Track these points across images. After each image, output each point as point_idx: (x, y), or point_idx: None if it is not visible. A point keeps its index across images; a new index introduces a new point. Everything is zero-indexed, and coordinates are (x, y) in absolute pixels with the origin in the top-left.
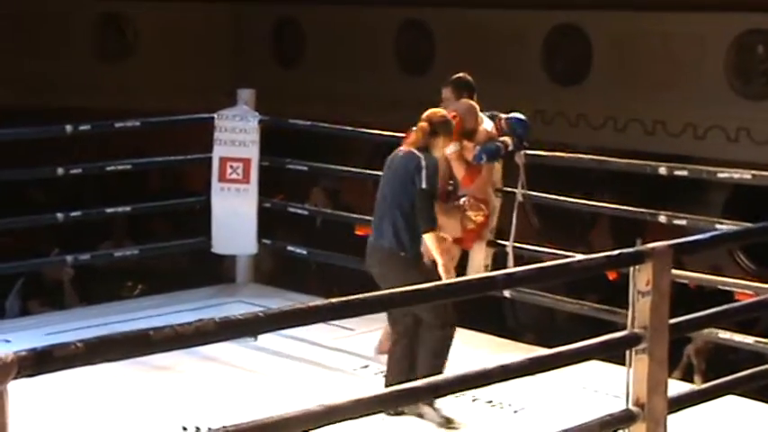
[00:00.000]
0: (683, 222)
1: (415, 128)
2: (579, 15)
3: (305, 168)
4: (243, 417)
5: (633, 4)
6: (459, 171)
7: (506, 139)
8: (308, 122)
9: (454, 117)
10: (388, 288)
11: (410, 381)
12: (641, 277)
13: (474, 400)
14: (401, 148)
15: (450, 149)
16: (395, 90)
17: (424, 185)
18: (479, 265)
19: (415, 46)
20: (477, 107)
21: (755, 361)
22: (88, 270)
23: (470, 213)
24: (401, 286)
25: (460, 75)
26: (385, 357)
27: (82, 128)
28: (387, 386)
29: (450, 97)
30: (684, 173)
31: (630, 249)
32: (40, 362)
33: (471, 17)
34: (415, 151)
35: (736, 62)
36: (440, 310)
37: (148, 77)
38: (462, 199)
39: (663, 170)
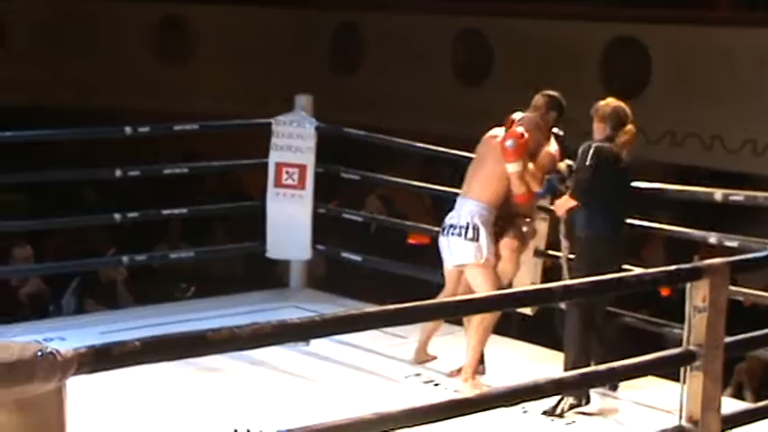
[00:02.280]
0: (735, 244)
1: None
2: (638, 29)
3: (357, 178)
4: (293, 422)
5: (693, 18)
6: (519, 189)
7: (562, 166)
8: (363, 132)
9: (522, 135)
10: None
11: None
12: (698, 294)
13: (525, 412)
14: (618, 150)
15: (513, 168)
16: (450, 99)
17: None
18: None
19: (472, 55)
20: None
21: None
22: (143, 271)
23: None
24: None
25: (555, 93)
26: (431, 365)
27: (141, 129)
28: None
29: (540, 106)
30: (740, 198)
31: (688, 265)
32: (99, 359)
33: (529, 28)
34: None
35: None
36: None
37: (207, 81)
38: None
39: (718, 196)
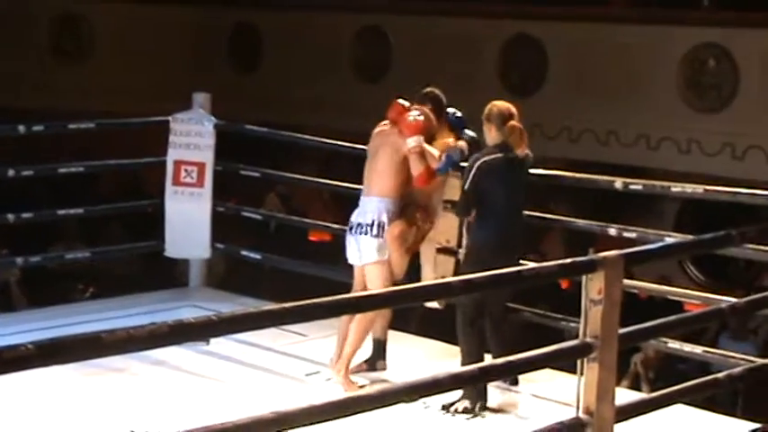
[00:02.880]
0: (634, 235)
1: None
2: (534, 25)
3: (257, 174)
4: (193, 422)
5: (588, 15)
6: (417, 168)
7: (463, 144)
8: (264, 129)
9: (423, 112)
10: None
11: None
12: (593, 286)
13: (426, 407)
14: (504, 154)
15: (413, 142)
16: (351, 96)
17: None
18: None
19: (371, 53)
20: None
21: (703, 370)
22: (38, 272)
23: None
24: None
25: (429, 89)
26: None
27: (35, 128)
28: None
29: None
30: (639, 187)
31: (583, 258)
32: None
33: (428, 25)
34: (529, 152)
35: (689, 75)
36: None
37: (105, 79)
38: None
39: (618, 185)
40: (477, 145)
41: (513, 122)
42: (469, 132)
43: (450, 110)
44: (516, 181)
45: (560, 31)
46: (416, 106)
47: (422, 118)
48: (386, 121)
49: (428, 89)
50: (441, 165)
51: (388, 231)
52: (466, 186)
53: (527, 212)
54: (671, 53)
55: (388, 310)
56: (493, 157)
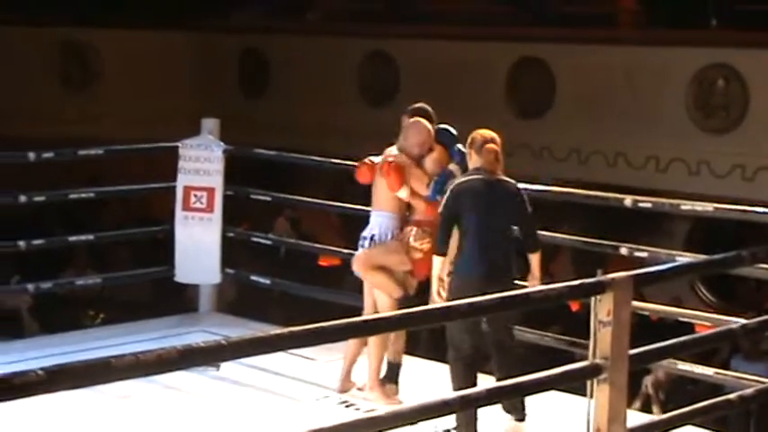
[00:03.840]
0: (644, 255)
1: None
2: (542, 49)
3: (268, 199)
4: None
5: (595, 37)
6: (420, 205)
7: (453, 166)
8: (272, 152)
9: (390, 163)
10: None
11: None
12: (602, 307)
13: (435, 430)
14: (476, 175)
15: (403, 194)
16: (358, 121)
17: (529, 210)
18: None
19: (378, 77)
20: (430, 130)
21: (714, 392)
22: (49, 299)
23: (415, 244)
24: None
25: (420, 104)
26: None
27: (45, 155)
28: None
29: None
30: (648, 205)
31: (592, 279)
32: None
33: (435, 50)
34: (505, 179)
35: (697, 96)
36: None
37: (112, 106)
38: (405, 229)
39: (628, 202)
40: (465, 164)
41: (489, 145)
42: (461, 147)
43: (442, 126)
44: (496, 204)
45: (568, 54)
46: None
47: (392, 167)
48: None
49: (415, 105)
50: (429, 193)
51: (355, 257)
52: (439, 210)
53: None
54: (680, 74)
55: (401, 334)
56: (467, 179)
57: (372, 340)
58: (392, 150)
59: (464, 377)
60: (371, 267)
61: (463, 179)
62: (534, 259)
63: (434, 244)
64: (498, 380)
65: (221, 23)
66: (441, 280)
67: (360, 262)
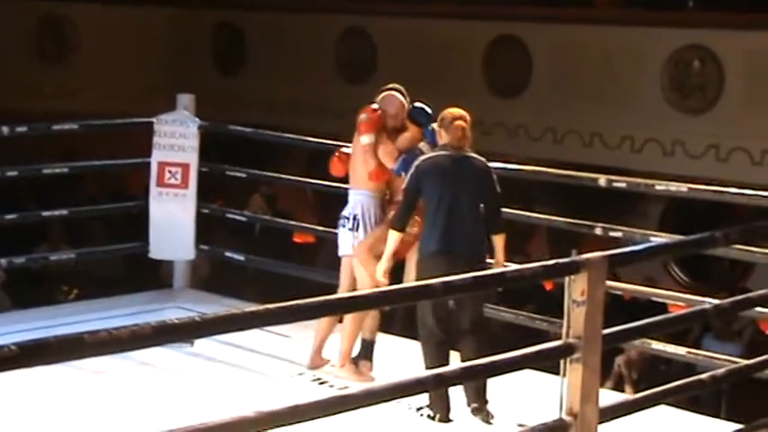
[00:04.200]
0: (619, 234)
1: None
2: (519, 27)
3: (243, 175)
4: (177, 422)
5: (572, 16)
6: (369, 164)
7: (424, 145)
8: (248, 129)
9: (375, 110)
10: (472, 297)
11: None
12: (576, 287)
13: (410, 408)
14: (443, 152)
15: (366, 140)
16: (335, 98)
17: (498, 189)
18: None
19: (356, 54)
20: (404, 104)
21: (686, 371)
22: (23, 274)
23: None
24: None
25: (393, 85)
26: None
27: (19, 129)
28: None
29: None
30: (623, 185)
31: (566, 259)
32: None
33: (412, 27)
34: (473, 155)
35: (673, 76)
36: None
37: (88, 80)
38: (390, 212)
39: (602, 182)
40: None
41: (457, 122)
42: (435, 126)
43: (417, 104)
44: (462, 180)
45: (545, 33)
46: (382, 99)
47: (375, 114)
48: None
49: (390, 86)
50: (396, 165)
51: (360, 243)
52: (403, 186)
53: (510, 211)
54: (655, 54)
55: (376, 312)
56: (433, 155)
57: (348, 318)
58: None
59: (435, 356)
60: (371, 257)
61: (429, 155)
62: (498, 241)
63: (393, 219)
64: (463, 361)
65: None
66: (389, 260)
67: (362, 252)
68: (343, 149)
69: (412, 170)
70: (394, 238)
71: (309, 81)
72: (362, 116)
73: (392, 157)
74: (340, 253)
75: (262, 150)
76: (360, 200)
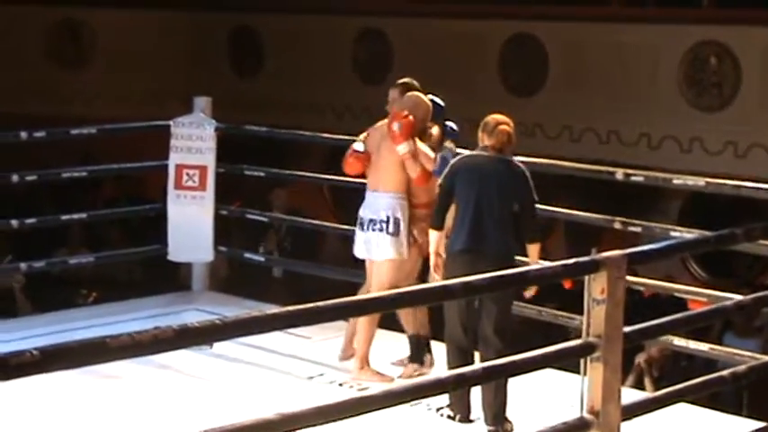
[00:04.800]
0: (638, 230)
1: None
2: (534, 26)
3: (262, 174)
4: (198, 425)
5: (587, 14)
6: (414, 170)
7: (449, 143)
8: (263, 128)
9: (406, 116)
10: (493, 297)
11: None
12: (596, 286)
13: (429, 409)
14: (482, 153)
15: (404, 149)
16: (353, 98)
17: (535, 197)
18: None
19: (372, 55)
20: (429, 107)
21: (707, 368)
22: (42, 278)
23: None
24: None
25: (407, 79)
26: (345, 364)
27: (37, 135)
28: None
29: (396, 99)
30: (641, 179)
31: (585, 258)
32: None
33: (428, 27)
34: (513, 159)
35: (689, 73)
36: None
37: (105, 84)
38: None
39: (619, 175)
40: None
41: (502, 126)
42: (451, 124)
43: (435, 100)
44: (499, 183)
45: (560, 31)
46: (405, 102)
47: (407, 120)
48: (383, 120)
49: (403, 79)
50: (437, 167)
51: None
52: (439, 183)
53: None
54: (671, 51)
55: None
56: (472, 154)
57: (362, 321)
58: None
59: (456, 358)
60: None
61: (466, 155)
62: (533, 250)
63: (431, 219)
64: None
65: (215, 2)
66: (438, 255)
67: (411, 257)
68: (356, 146)
69: (447, 169)
70: (435, 236)
71: (326, 82)
72: (395, 125)
73: (431, 159)
74: (377, 257)
75: (278, 154)
76: (395, 203)
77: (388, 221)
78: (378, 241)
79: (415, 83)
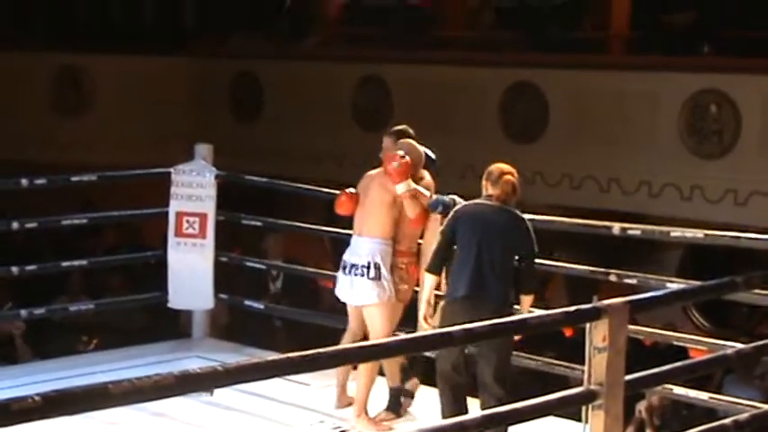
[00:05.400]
0: (634, 281)
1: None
2: (535, 74)
3: (259, 224)
4: None
5: (587, 63)
6: (414, 210)
7: (454, 196)
8: (264, 179)
9: (403, 157)
10: (492, 345)
11: None
12: (598, 333)
13: None
14: (486, 201)
15: (402, 189)
16: (353, 146)
17: (536, 249)
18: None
19: (372, 102)
20: (422, 154)
21: (708, 416)
22: (43, 325)
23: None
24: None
25: (401, 126)
26: (344, 412)
27: (38, 182)
28: None
29: (390, 147)
30: (638, 232)
31: (587, 306)
32: None
33: (428, 74)
34: (515, 211)
35: (690, 121)
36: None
37: (105, 131)
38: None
39: (616, 230)
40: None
41: (507, 176)
42: (428, 152)
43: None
44: (500, 233)
45: (560, 79)
46: (403, 146)
47: (404, 160)
48: (375, 169)
49: (398, 127)
50: (431, 201)
51: (384, 293)
52: (440, 230)
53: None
54: (672, 99)
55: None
56: (476, 202)
57: (362, 368)
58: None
59: (451, 400)
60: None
61: (471, 202)
62: (526, 301)
63: (429, 263)
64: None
65: (216, 49)
66: (429, 304)
67: (389, 303)
68: (350, 190)
69: (452, 213)
70: (430, 281)
71: (326, 130)
72: (393, 164)
73: (426, 198)
74: (358, 302)
75: (279, 199)
76: (376, 248)
77: (368, 267)
78: (358, 286)
79: (409, 130)
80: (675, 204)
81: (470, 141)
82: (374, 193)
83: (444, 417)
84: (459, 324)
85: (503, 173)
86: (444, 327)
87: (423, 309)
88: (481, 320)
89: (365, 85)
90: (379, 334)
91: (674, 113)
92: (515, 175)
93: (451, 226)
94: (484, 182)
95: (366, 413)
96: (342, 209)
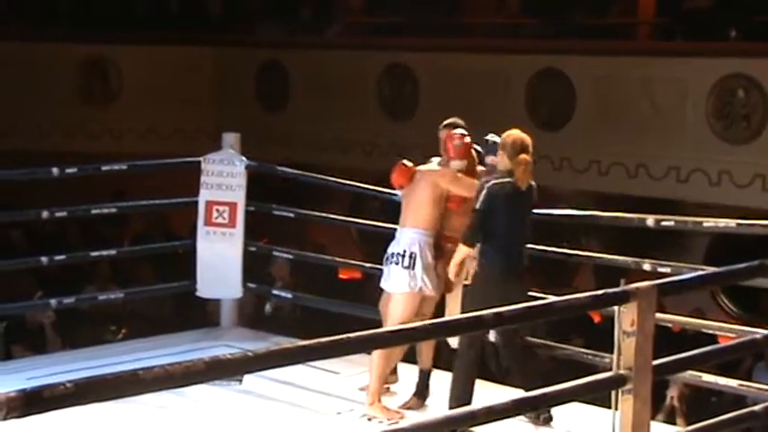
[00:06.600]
0: (668, 270)
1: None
2: (562, 60)
3: (291, 215)
4: None
5: (614, 49)
6: (460, 190)
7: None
8: (294, 171)
9: (464, 137)
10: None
11: None
12: (626, 317)
13: None
14: (512, 181)
15: (458, 166)
16: (379, 134)
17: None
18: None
19: (398, 91)
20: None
21: (737, 404)
22: (72, 314)
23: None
24: None
25: (453, 119)
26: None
27: (68, 171)
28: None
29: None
30: (671, 224)
31: (615, 289)
32: (29, 403)
33: (455, 62)
34: (533, 185)
35: (717, 106)
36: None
37: (133, 120)
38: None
39: (651, 222)
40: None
41: (523, 155)
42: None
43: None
44: (521, 211)
45: (587, 65)
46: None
47: (465, 142)
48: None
49: (450, 120)
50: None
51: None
52: (477, 206)
53: (555, 249)
54: (699, 84)
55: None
56: (503, 182)
57: (376, 355)
58: (434, 163)
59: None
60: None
61: (498, 182)
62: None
63: (466, 235)
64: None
65: (242, 39)
66: (460, 265)
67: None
68: (406, 162)
69: (485, 192)
70: (464, 251)
71: (353, 118)
72: (456, 142)
73: (473, 189)
74: (392, 289)
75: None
76: (416, 238)
77: (404, 255)
78: (392, 273)
79: (459, 121)
80: (704, 190)
81: (497, 128)
82: (423, 188)
83: (455, 405)
84: (495, 298)
85: (517, 150)
86: (477, 300)
87: (453, 269)
88: (514, 301)
89: (390, 73)
90: (395, 322)
91: (701, 99)
92: (530, 148)
93: (487, 203)
94: (500, 150)
95: (379, 400)
96: (399, 179)
